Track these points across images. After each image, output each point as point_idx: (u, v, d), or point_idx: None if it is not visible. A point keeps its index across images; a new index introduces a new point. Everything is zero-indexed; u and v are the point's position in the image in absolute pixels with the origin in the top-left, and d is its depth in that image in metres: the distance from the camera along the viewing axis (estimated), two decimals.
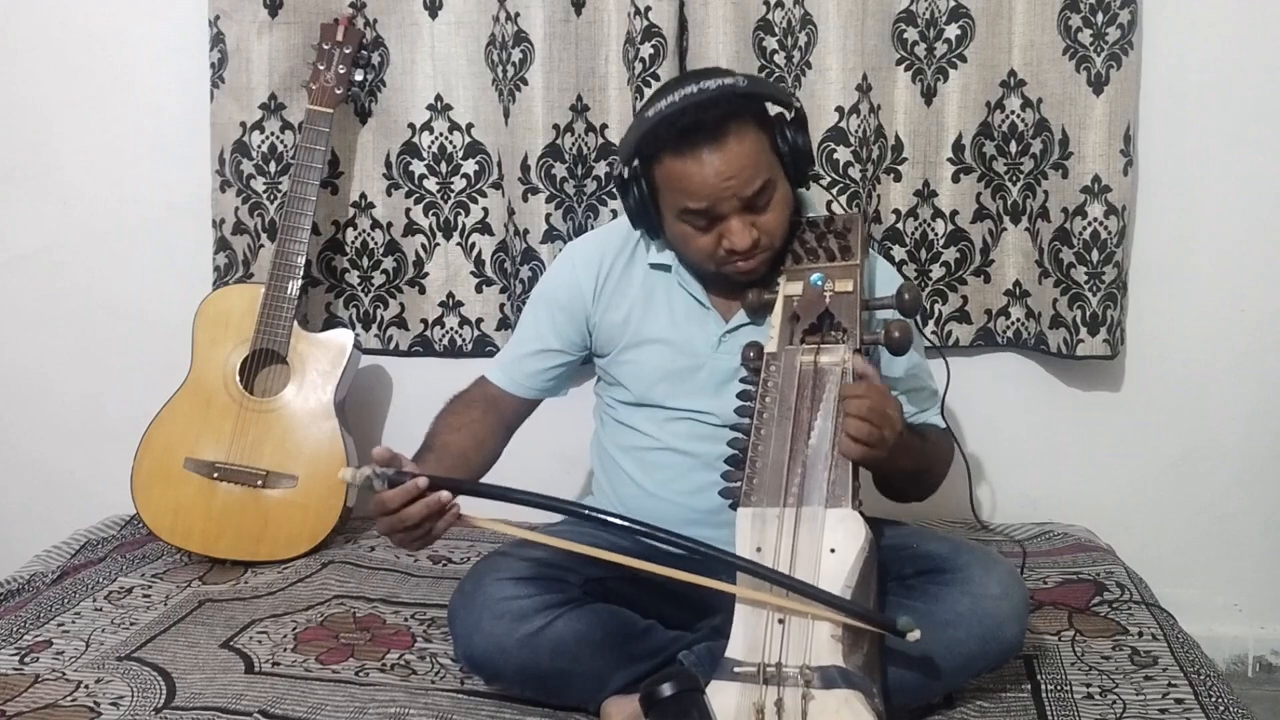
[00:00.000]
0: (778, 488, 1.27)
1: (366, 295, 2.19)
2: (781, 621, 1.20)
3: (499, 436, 1.61)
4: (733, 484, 1.32)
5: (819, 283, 1.40)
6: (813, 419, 1.31)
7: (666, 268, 1.55)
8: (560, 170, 2.03)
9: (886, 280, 1.53)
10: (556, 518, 1.49)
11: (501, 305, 2.16)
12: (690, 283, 1.53)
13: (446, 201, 2.14)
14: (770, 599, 1.21)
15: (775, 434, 1.31)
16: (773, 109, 1.45)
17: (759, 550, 1.24)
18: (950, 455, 1.56)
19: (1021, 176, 1.98)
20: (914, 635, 1.17)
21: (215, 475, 1.96)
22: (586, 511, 1.30)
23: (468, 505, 1.32)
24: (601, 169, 2.05)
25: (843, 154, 1.94)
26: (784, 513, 1.25)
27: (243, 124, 2.11)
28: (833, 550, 1.22)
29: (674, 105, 1.37)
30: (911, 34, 1.95)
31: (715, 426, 1.47)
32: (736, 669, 1.18)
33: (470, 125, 2.10)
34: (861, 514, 1.26)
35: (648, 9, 1.93)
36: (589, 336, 1.60)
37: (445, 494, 1.28)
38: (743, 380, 1.40)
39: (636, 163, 1.44)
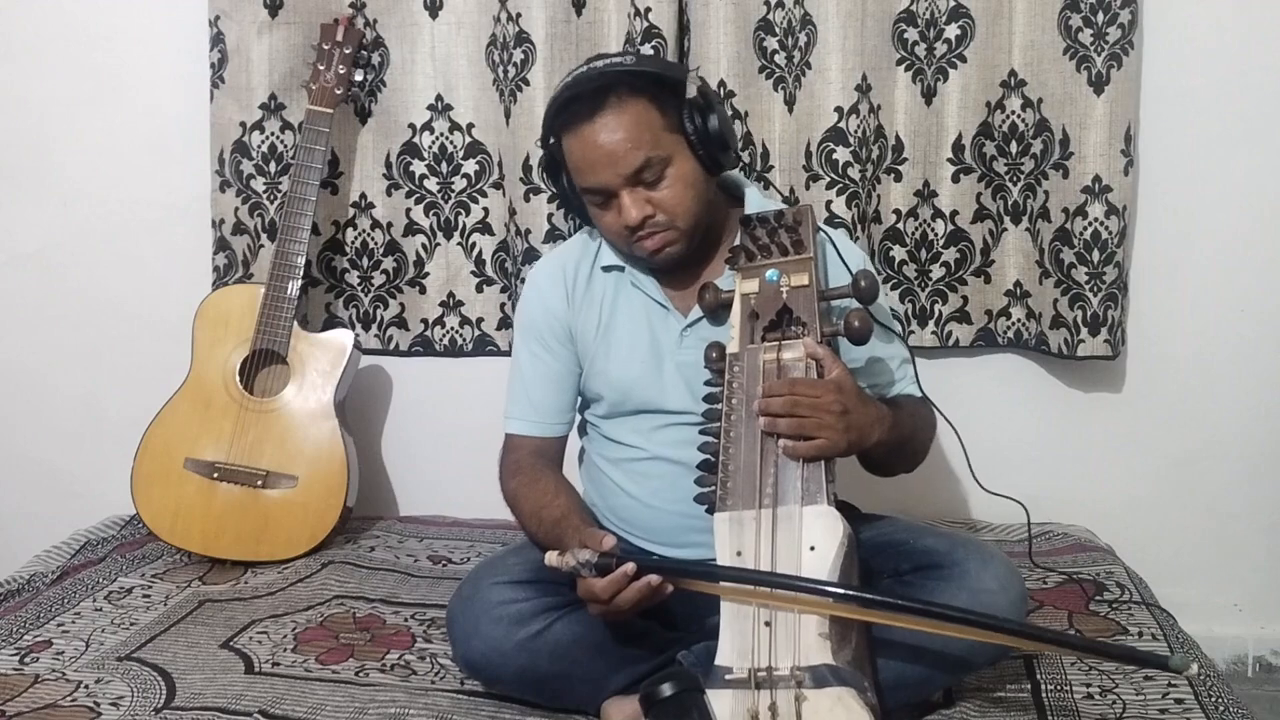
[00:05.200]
0: (752, 490, 1.27)
1: (366, 295, 2.19)
2: (768, 624, 1.19)
3: (565, 477, 1.57)
4: (707, 489, 1.31)
5: (774, 279, 1.40)
6: None
7: (620, 268, 1.54)
8: None
9: (842, 262, 1.50)
10: None
11: (502, 305, 2.16)
12: (643, 281, 1.53)
13: (447, 201, 2.14)
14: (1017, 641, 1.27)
15: (745, 435, 1.31)
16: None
17: (739, 554, 1.24)
18: (933, 421, 1.53)
19: (1022, 177, 1.97)
20: (1192, 671, 1.17)
21: (215, 475, 1.96)
22: (804, 583, 1.23)
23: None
24: None
25: (842, 154, 1.94)
26: (760, 514, 1.25)
27: (243, 124, 2.11)
28: (812, 548, 1.22)
29: (565, 84, 1.45)
30: (911, 34, 1.95)
31: (698, 428, 1.42)
32: (728, 676, 1.18)
33: (471, 125, 2.10)
34: (843, 507, 1.26)
35: (648, 10, 1.93)
36: (576, 344, 1.57)
37: (655, 578, 1.25)
38: (707, 384, 1.39)
39: (553, 143, 1.47)
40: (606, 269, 1.55)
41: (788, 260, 1.42)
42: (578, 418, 1.63)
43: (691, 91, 1.42)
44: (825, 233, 1.50)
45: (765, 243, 1.45)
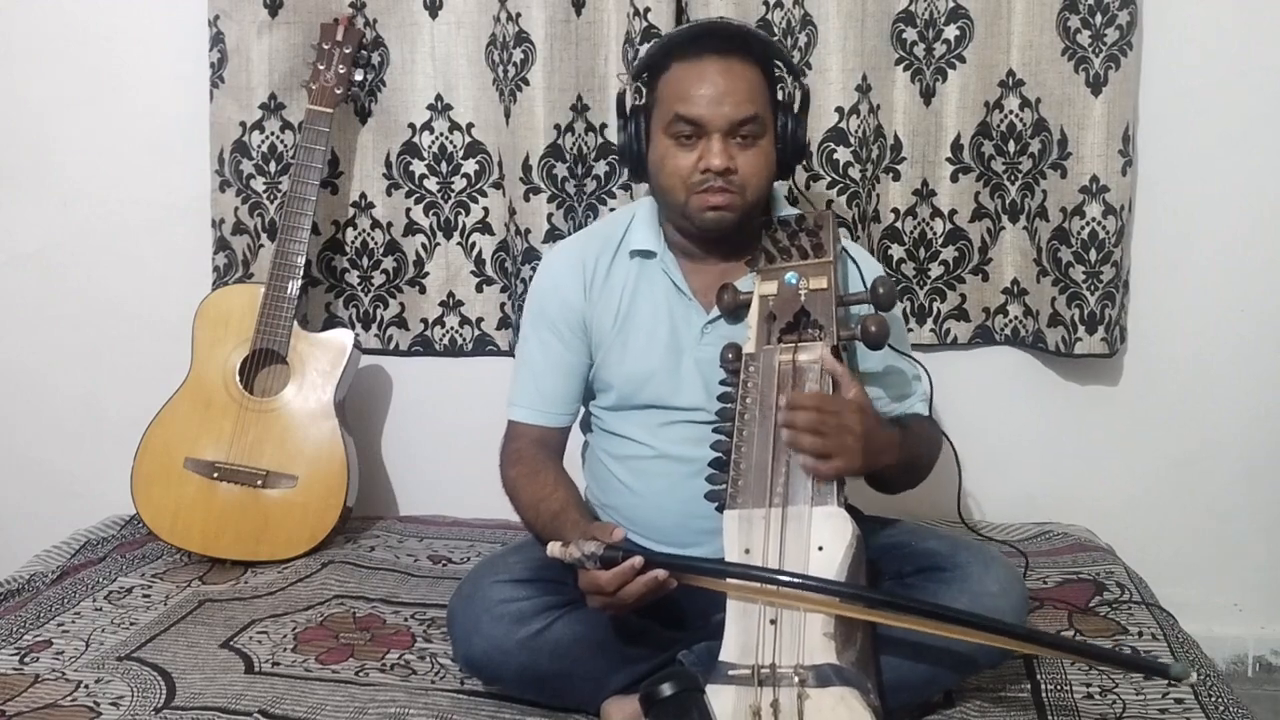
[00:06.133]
0: (763, 489, 1.27)
1: (366, 295, 2.19)
2: (773, 622, 1.20)
3: (566, 471, 1.56)
4: (718, 487, 1.31)
5: (793, 281, 1.41)
6: None
7: (651, 254, 1.54)
8: (561, 170, 2.03)
9: (865, 271, 1.51)
10: None
11: (502, 305, 2.16)
12: (673, 269, 1.53)
13: (447, 201, 2.14)
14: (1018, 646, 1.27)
15: (758, 435, 1.31)
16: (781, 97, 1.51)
17: (747, 552, 1.24)
18: (938, 443, 1.54)
19: (1020, 176, 1.98)
20: (1192, 679, 1.19)
21: (215, 475, 1.96)
22: (815, 583, 1.22)
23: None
24: (601, 169, 2.06)
25: (842, 154, 1.94)
26: (770, 513, 1.25)
27: (242, 124, 2.11)
28: (820, 548, 1.22)
29: (696, 22, 1.51)
30: (911, 34, 1.95)
31: (706, 427, 1.42)
32: (731, 672, 1.18)
33: (470, 125, 2.10)
34: (849, 509, 1.27)
35: (647, 10, 1.93)
36: (589, 336, 1.58)
37: (662, 573, 1.25)
38: (722, 383, 1.39)
39: (645, 77, 1.48)
40: (634, 254, 1.55)
41: (807, 263, 1.43)
42: (581, 410, 1.63)
43: (800, 92, 1.48)
44: (846, 248, 1.52)
45: (785, 245, 1.46)
